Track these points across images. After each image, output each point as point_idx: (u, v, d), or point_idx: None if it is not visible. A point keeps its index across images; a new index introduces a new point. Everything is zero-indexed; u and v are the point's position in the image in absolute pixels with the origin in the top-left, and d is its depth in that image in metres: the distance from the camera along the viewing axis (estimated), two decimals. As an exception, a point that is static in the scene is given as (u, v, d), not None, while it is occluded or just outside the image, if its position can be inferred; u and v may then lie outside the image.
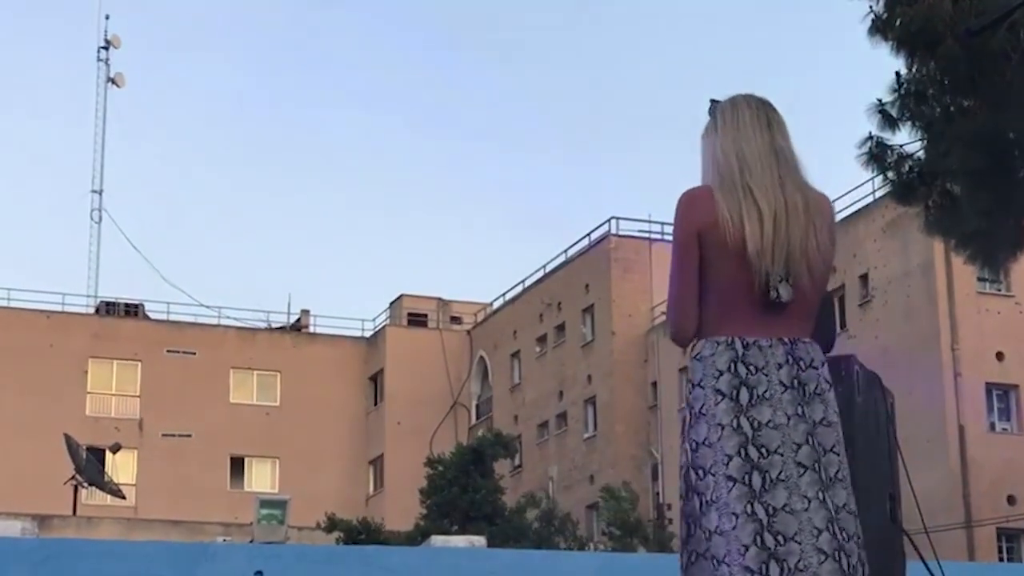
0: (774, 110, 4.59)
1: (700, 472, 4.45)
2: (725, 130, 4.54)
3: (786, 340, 4.47)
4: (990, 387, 41.02)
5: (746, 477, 4.36)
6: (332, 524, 40.57)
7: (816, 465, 4.39)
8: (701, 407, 4.48)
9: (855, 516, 4.47)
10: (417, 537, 34.09)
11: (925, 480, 32.18)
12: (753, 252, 4.38)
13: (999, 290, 41.21)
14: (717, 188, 4.44)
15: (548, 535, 39.59)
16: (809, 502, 4.36)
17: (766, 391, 4.42)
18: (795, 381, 4.45)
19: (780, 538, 4.33)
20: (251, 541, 13.65)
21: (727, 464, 4.38)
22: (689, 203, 4.46)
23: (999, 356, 40.94)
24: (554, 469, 54.49)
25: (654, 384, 52.31)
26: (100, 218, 62.28)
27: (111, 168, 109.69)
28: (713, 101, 4.67)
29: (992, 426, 41.10)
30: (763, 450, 4.39)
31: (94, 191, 62.86)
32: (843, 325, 41.05)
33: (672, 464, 50.00)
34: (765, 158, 4.47)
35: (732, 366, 4.43)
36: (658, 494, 50.66)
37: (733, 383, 4.43)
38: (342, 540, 37.80)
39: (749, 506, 4.34)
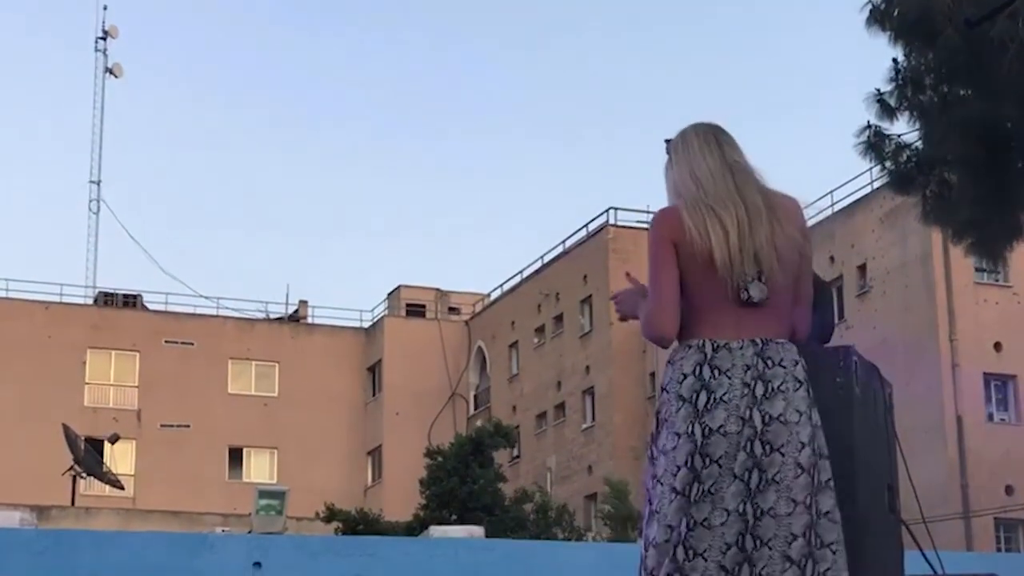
0: (722, 132, 4.83)
1: (653, 481, 4.56)
2: (679, 160, 4.79)
3: (758, 340, 4.58)
4: (988, 378, 41.04)
5: (686, 488, 4.46)
6: (331, 515, 40.54)
7: (748, 473, 4.46)
8: (665, 413, 4.60)
9: (779, 519, 4.50)
10: (416, 528, 34.08)
11: (923, 470, 32.22)
12: (721, 262, 4.56)
13: (997, 281, 41.22)
14: (682, 207, 4.66)
15: (546, 526, 39.58)
16: (727, 515, 4.44)
17: (725, 394, 4.51)
18: (756, 381, 4.53)
19: (690, 553, 4.43)
20: (249, 532, 13.67)
21: (675, 476, 4.48)
22: (661, 219, 4.71)
23: (997, 347, 40.95)
24: (552, 460, 54.51)
25: (652, 375, 52.30)
26: (98, 209, 62.29)
27: (109, 159, 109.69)
28: (666, 140, 4.93)
29: (990, 416, 41.11)
30: (706, 459, 4.48)
31: (92, 182, 62.86)
32: (841, 316, 41.06)
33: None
34: (718, 172, 4.69)
35: (697, 369, 4.55)
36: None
37: (695, 387, 4.53)
38: (340, 531, 37.78)
39: (680, 517, 4.45)
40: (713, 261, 4.57)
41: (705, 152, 4.76)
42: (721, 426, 4.48)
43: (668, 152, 4.90)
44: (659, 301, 4.66)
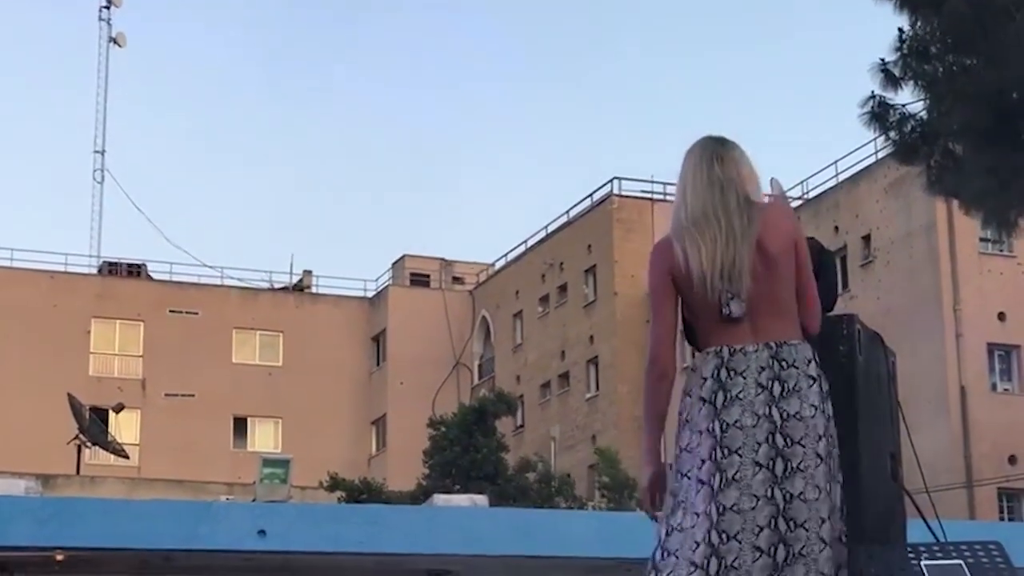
0: (722, 146, 5.09)
1: (678, 475, 4.90)
2: (681, 175, 5.11)
3: (772, 344, 4.93)
4: (992, 347, 41.04)
5: (711, 478, 4.79)
6: (334, 484, 40.64)
7: (772, 462, 4.79)
8: (687, 415, 4.97)
9: (810, 503, 4.80)
10: (419, 497, 34.14)
11: (926, 440, 32.25)
12: (698, 282, 4.91)
13: (1001, 251, 41.17)
14: (672, 232, 5.00)
15: (549, 495, 39.66)
16: (757, 500, 4.75)
17: (740, 392, 4.87)
18: (772, 382, 4.89)
19: (724, 536, 4.72)
20: (254, 500, 13.67)
21: (700, 468, 4.83)
22: (657, 253, 5.05)
23: (1001, 316, 40.93)
24: (556, 429, 54.56)
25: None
26: (103, 178, 62.23)
27: (113, 128, 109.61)
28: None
29: (993, 386, 41.12)
30: (726, 450, 4.82)
31: (96, 151, 62.78)
32: (845, 285, 41.04)
33: (673, 425, 50.02)
34: (703, 195, 4.98)
35: (716, 372, 4.93)
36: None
37: (713, 388, 4.92)
38: (344, 500, 37.87)
39: (708, 506, 4.75)
40: (698, 283, 4.93)
41: (696, 171, 5.04)
42: (737, 420, 4.83)
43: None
44: (659, 343, 5.07)
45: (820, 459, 4.85)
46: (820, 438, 4.87)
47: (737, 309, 4.90)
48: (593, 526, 12.26)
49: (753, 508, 4.74)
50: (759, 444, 4.80)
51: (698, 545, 4.74)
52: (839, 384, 5.98)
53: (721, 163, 5.03)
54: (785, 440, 4.83)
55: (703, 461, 4.82)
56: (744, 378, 4.88)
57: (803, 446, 4.83)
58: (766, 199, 5.19)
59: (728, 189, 4.98)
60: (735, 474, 4.78)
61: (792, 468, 4.80)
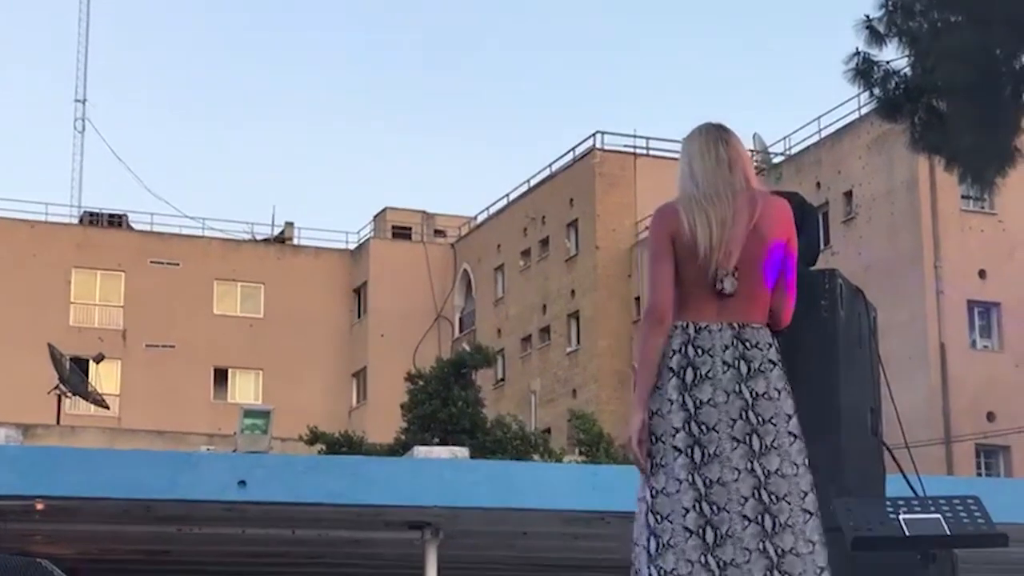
0: (726, 131, 5.45)
1: (652, 438, 5.14)
2: (684, 155, 5.43)
3: (735, 324, 5.20)
4: (972, 305, 41.16)
5: (689, 450, 5.08)
6: (314, 437, 40.66)
7: (748, 437, 5.09)
8: (658, 381, 5.19)
9: (788, 478, 5.10)
10: (398, 450, 34.18)
11: (906, 396, 32.30)
12: (702, 254, 5.18)
13: (983, 208, 41.22)
14: (679, 200, 5.30)
15: (526, 450, 39.72)
16: (739, 473, 5.04)
17: (709, 371, 5.14)
18: (739, 360, 5.16)
19: (714, 507, 5.03)
20: (234, 451, 13.69)
21: (674, 436, 5.10)
22: (661, 216, 5.33)
23: (982, 274, 41.04)
24: (537, 383, 54.65)
25: (638, 299, 52.37)
26: (83, 128, 62.01)
27: (94, 78, 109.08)
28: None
29: (973, 343, 41.26)
30: (703, 427, 5.10)
31: (77, 100, 62.54)
32: (827, 242, 41.11)
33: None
34: (712, 173, 5.31)
35: (683, 347, 5.18)
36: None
37: (682, 363, 5.16)
38: (324, 453, 37.89)
39: (691, 476, 5.04)
40: (698, 251, 5.20)
41: (704, 152, 5.36)
42: (710, 399, 5.11)
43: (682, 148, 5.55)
44: (659, 291, 5.23)
45: (794, 437, 5.15)
46: (790, 418, 5.15)
47: (730, 286, 5.18)
48: (573, 478, 12.29)
49: (736, 480, 5.03)
50: (734, 420, 5.09)
51: (687, 511, 5.03)
52: (820, 339, 5.99)
53: (727, 146, 5.37)
54: (757, 419, 5.11)
55: (676, 430, 5.09)
56: (711, 356, 5.15)
57: (774, 425, 5.12)
58: (762, 184, 5.52)
59: (735, 170, 5.32)
60: (715, 449, 5.06)
61: (767, 446, 5.09)
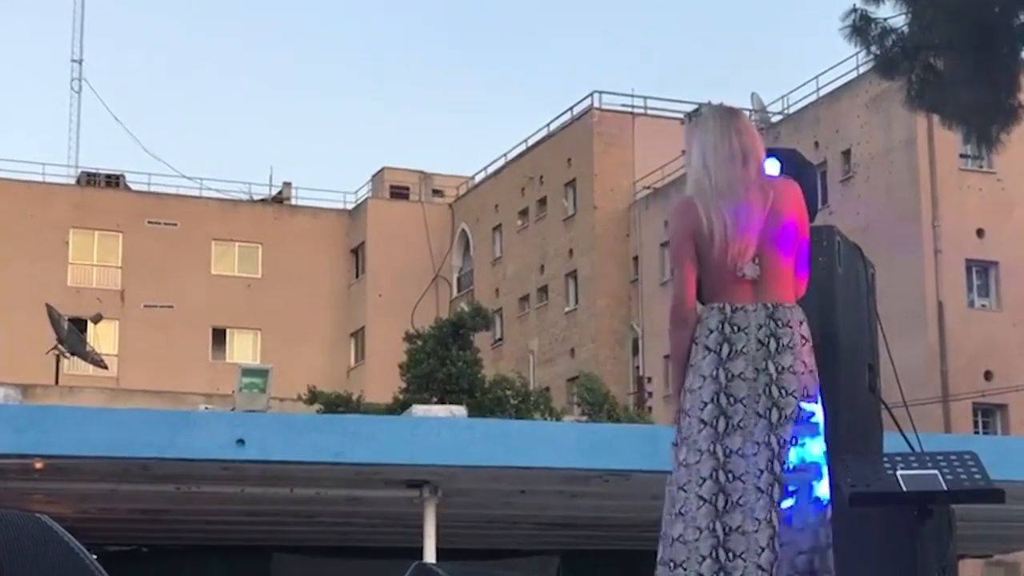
0: (737, 116, 5.61)
1: (681, 414, 5.42)
2: (696, 144, 5.58)
3: (768, 305, 5.44)
4: (970, 264, 41.15)
5: (715, 421, 5.33)
6: (312, 396, 40.69)
7: (769, 411, 5.33)
8: (692, 360, 5.46)
9: (798, 447, 5.37)
10: (396, 410, 34.22)
11: (904, 356, 32.28)
12: (719, 247, 5.40)
13: (981, 167, 41.16)
14: (695, 196, 5.48)
15: (526, 409, 39.79)
16: (758, 447, 5.28)
17: (743, 347, 5.38)
18: (770, 338, 5.40)
19: (730, 475, 5.28)
20: (232, 410, 13.70)
21: (702, 409, 5.35)
22: (680, 214, 5.54)
23: (980, 233, 41.01)
24: (535, 342, 54.69)
25: (636, 259, 52.37)
26: (80, 88, 61.91)
27: (91, 37, 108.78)
28: (688, 115, 5.54)
29: (971, 303, 41.27)
30: (731, 398, 5.35)
31: (74, 60, 62.39)
32: (824, 201, 41.03)
33: (653, 338, 50.21)
34: (726, 168, 5.47)
35: (720, 326, 5.42)
36: (638, 368, 50.91)
37: (718, 340, 5.41)
38: (322, 412, 37.93)
39: (712, 446, 5.31)
40: (719, 247, 5.42)
41: (718, 145, 5.51)
42: (741, 372, 5.35)
43: (689, 130, 5.69)
44: (681, 292, 5.51)
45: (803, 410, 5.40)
46: (808, 394, 5.41)
47: (751, 272, 5.41)
48: (572, 437, 12.30)
49: (755, 454, 5.27)
50: (759, 395, 5.34)
51: (704, 481, 5.28)
52: (818, 295, 6.00)
53: (739, 135, 5.52)
54: (779, 391, 5.35)
55: (704, 403, 5.34)
56: (746, 334, 5.39)
57: (795, 398, 5.36)
58: (777, 171, 5.85)
59: (748, 161, 5.49)
60: (740, 421, 5.31)
61: (785, 417, 5.33)
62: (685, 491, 5.29)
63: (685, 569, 5.24)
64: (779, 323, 5.41)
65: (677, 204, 5.57)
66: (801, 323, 5.46)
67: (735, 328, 5.40)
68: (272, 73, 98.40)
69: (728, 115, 5.59)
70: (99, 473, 11.60)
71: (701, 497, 5.25)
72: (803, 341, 5.43)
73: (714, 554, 5.18)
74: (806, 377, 5.40)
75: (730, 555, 5.20)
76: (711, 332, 5.42)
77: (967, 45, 15.42)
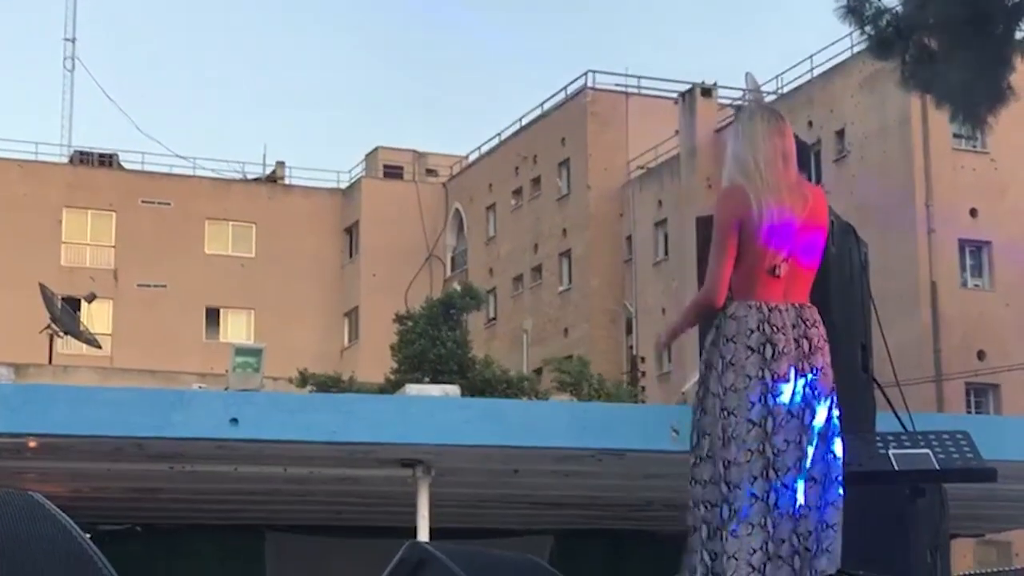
0: (782, 120, 5.81)
1: (726, 412, 5.56)
2: (744, 135, 5.75)
3: (796, 304, 5.66)
4: (963, 243, 41.19)
5: (763, 420, 5.52)
6: (304, 378, 40.73)
7: (803, 413, 5.56)
8: (731, 358, 5.60)
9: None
10: (388, 391, 34.24)
11: (897, 335, 32.35)
12: (765, 239, 5.56)
13: (974, 147, 41.17)
14: (746, 185, 5.63)
15: (514, 393, 39.85)
16: (788, 444, 5.53)
17: (784, 347, 5.57)
18: (802, 339, 5.62)
19: (780, 471, 5.51)
20: (226, 389, 13.67)
21: (750, 410, 5.52)
22: (732, 198, 5.67)
23: (973, 213, 41.04)
24: (528, 322, 54.71)
25: (629, 238, 52.37)
26: (73, 67, 61.80)
27: (84, 16, 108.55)
28: (737, 107, 5.71)
29: (964, 282, 41.30)
30: (776, 399, 5.55)
31: (67, 39, 62.30)
32: (818, 180, 40.99)
33: (646, 318, 50.24)
34: (772, 167, 5.65)
35: (761, 326, 5.58)
36: (631, 347, 50.96)
37: (760, 340, 5.57)
38: (314, 392, 37.94)
39: (762, 445, 5.50)
40: (760, 241, 5.59)
41: (767, 141, 5.69)
42: (785, 374, 5.55)
43: (737, 120, 5.93)
44: (719, 276, 5.62)
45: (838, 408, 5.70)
46: (832, 391, 5.67)
47: (785, 270, 5.60)
48: (565, 416, 12.29)
49: (785, 451, 5.52)
50: (794, 394, 5.56)
51: (755, 479, 5.48)
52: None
53: (782, 138, 5.73)
54: (814, 391, 5.60)
55: (752, 404, 5.51)
56: (784, 335, 5.58)
57: (823, 400, 5.64)
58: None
59: (789, 163, 5.69)
60: (781, 421, 5.53)
61: (815, 417, 5.61)
62: (739, 488, 5.49)
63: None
64: (807, 324, 5.66)
65: (727, 189, 5.70)
66: (821, 323, 5.73)
67: (774, 329, 5.58)
68: (265, 52, 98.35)
69: (774, 118, 5.80)
70: (92, 452, 11.58)
71: (754, 495, 5.47)
72: (825, 342, 5.70)
73: (765, 547, 5.43)
74: (831, 378, 5.67)
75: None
76: (752, 332, 5.58)
77: (961, 25, 15.41)
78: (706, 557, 5.54)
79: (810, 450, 5.56)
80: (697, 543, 5.58)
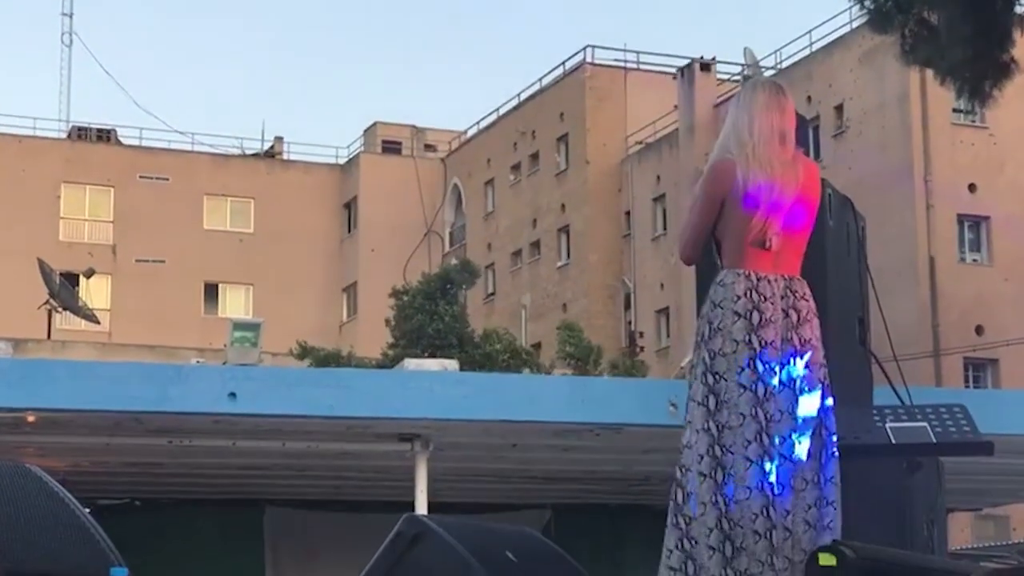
0: (784, 96, 5.85)
1: (716, 376, 5.59)
2: (744, 108, 5.80)
3: (785, 276, 5.70)
4: (962, 218, 41.16)
5: (753, 385, 5.55)
6: (303, 352, 40.71)
7: (793, 383, 5.58)
8: (719, 323, 5.65)
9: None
10: (387, 366, 34.25)
11: (895, 310, 32.35)
12: (750, 210, 5.62)
13: (973, 122, 41.12)
14: (736, 157, 5.69)
15: (516, 364, 39.86)
16: (782, 415, 5.54)
17: (771, 316, 5.61)
18: (790, 310, 5.67)
19: (773, 438, 5.52)
20: (224, 363, 13.68)
21: (739, 373, 5.56)
22: (718, 174, 5.73)
23: (971, 188, 41.01)
24: (527, 297, 54.71)
25: (628, 213, 52.34)
26: (71, 42, 61.68)
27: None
28: (744, 79, 5.74)
29: (962, 257, 41.29)
30: (766, 365, 5.58)
31: (64, 14, 62.21)
32: (817, 156, 40.98)
33: (645, 293, 50.24)
34: (767, 143, 5.69)
35: (748, 293, 5.62)
36: (630, 323, 50.97)
37: (747, 306, 5.61)
38: (313, 366, 37.95)
39: (754, 410, 5.52)
40: (749, 213, 5.65)
41: (765, 114, 5.75)
42: (772, 340, 5.59)
43: (741, 91, 5.98)
44: (695, 235, 5.75)
45: (821, 383, 5.71)
46: (822, 366, 5.70)
47: (776, 243, 5.64)
48: (564, 391, 12.30)
49: (779, 420, 5.53)
50: (782, 365, 5.59)
51: (749, 443, 5.50)
52: (808, 247, 6.01)
53: (781, 115, 5.78)
54: (806, 365, 5.63)
55: (741, 368, 5.55)
56: (772, 304, 5.62)
57: (811, 371, 5.66)
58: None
59: (786, 141, 5.73)
60: (772, 389, 5.56)
61: (802, 389, 5.64)
62: (733, 453, 5.50)
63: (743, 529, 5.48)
64: (796, 295, 5.69)
65: (717, 164, 5.76)
66: (810, 298, 5.75)
67: (763, 297, 5.62)
68: (263, 27, 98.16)
69: (775, 94, 5.84)
70: (91, 426, 11.60)
71: (748, 459, 5.48)
72: (814, 315, 5.72)
73: (766, 512, 5.44)
74: (821, 353, 5.69)
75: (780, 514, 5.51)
76: (739, 298, 5.62)
77: (960, -1, 15.36)
78: (681, 522, 5.58)
79: (805, 425, 5.58)
80: (679, 510, 5.59)
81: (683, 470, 5.60)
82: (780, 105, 5.79)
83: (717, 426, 5.55)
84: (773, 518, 5.45)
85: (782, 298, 5.66)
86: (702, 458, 5.55)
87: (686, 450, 5.61)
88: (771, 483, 5.47)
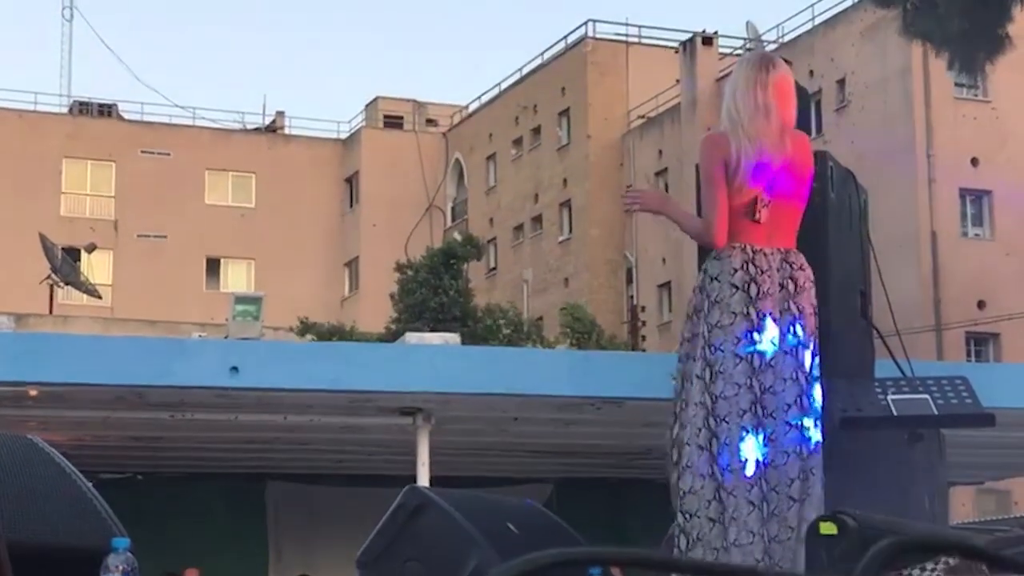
0: (766, 71, 5.88)
1: (712, 348, 5.66)
2: (731, 84, 5.95)
3: (782, 249, 5.78)
4: (964, 193, 41.12)
5: (750, 356, 5.63)
6: (305, 327, 40.72)
7: (794, 350, 5.66)
8: (716, 296, 5.72)
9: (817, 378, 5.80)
10: (389, 340, 34.27)
11: (897, 285, 32.27)
12: (738, 187, 5.73)
13: (976, 96, 41.05)
14: (728, 132, 5.81)
15: (519, 339, 39.88)
16: (785, 383, 5.62)
17: (768, 288, 5.69)
18: (788, 280, 5.75)
19: (767, 409, 5.62)
20: (226, 337, 13.69)
21: (736, 344, 5.64)
22: (713, 143, 5.89)
23: (974, 162, 40.96)
24: (528, 272, 54.69)
25: (629, 187, 52.28)
26: (72, 16, 61.69)
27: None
28: (747, 51, 5.92)
29: (964, 232, 41.27)
30: (763, 336, 5.65)
31: (64, -11, 61.97)
32: (819, 130, 40.94)
33: (646, 268, 50.24)
34: (753, 114, 5.79)
35: (745, 265, 5.71)
36: (632, 297, 50.96)
37: (744, 279, 5.70)
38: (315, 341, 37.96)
39: (749, 380, 5.59)
40: (739, 181, 5.75)
41: (749, 91, 5.83)
42: (770, 311, 5.67)
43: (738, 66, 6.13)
44: (716, 216, 5.75)
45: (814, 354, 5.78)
46: (815, 332, 5.77)
47: (765, 215, 5.72)
48: (565, 365, 12.32)
49: (784, 391, 5.61)
50: (784, 334, 5.67)
51: (744, 413, 5.57)
52: (810, 219, 6.00)
53: (764, 90, 5.82)
54: (804, 331, 5.72)
55: (738, 339, 5.64)
56: (768, 276, 5.71)
57: (809, 342, 5.74)
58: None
59: (771, 115, 5.79)
60: (770, 360, 5.64)
61: (801, 361, 5.69)
62: (727, 422, 5.56)
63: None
64: (793, 266, 5.78)
65: (709, 136, 5.95)
66: (807, 268, 5.85)
67: (759, 270, 5.71)
68: (265, 2, 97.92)
69: (758, 68, 5.91)
70: (93, 401, 11.62)
71: (744, 428, 5.55)
72: (811, 285, 5.81)
73: (760, 483, 5.51)
74: (814, 323, 5.77)
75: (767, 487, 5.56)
76: (736, 271, 5.70)
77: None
78: (681, 492, 5.67)
79: (812, 388, 5.65)
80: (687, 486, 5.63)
81: (680, 445, 5.66)
82: (761, 80, 5.85)
83: (711, 397, 5.62)
84: (764, 489, 5.50)
85: (778, 270, 5.74)
86: (700, 431, 5.60)
87: (685, 427, 5.68)
88: (765, 452, 5.52)
